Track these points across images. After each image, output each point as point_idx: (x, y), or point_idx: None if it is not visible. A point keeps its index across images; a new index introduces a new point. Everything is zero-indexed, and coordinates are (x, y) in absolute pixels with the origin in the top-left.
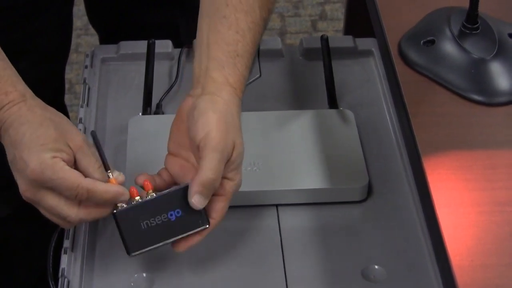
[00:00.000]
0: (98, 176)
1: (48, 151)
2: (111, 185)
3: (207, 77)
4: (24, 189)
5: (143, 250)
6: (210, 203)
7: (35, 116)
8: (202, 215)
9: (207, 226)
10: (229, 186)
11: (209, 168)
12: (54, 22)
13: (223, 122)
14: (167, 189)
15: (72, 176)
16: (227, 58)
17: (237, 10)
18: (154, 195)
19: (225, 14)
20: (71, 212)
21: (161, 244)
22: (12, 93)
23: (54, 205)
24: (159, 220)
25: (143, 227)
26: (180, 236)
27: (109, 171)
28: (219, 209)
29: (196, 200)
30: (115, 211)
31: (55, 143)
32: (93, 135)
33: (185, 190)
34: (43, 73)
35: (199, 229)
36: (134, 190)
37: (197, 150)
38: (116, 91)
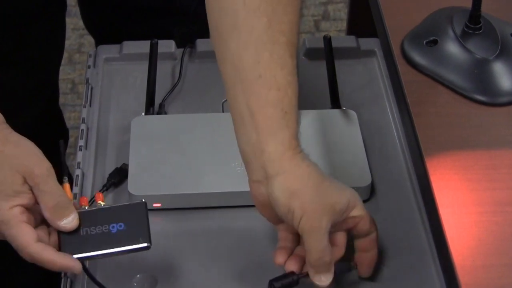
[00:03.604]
0: (48, 215)
1: (5, 199)
2: (59, 257)
3: (264, 154)
4: None
5: (78, 256)
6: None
7: None
8: (145, 232)
9: (148, 245)
10: (357, 221)
11: (311, 250)
12: (46, 30)
13: (303, 198)
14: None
15: (22, 239)
16: (277, 122)
17: (271, 67)
18: (102, 206)
19: (260, 73)
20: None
21: (95, 253)
22: None
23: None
24: (99, 230)
25: (82, 233)
26: (116, 250)
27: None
28: (367, 259)
29: (320, 280)
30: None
31: (12, 187)
32: (60, 145)
33: (134, 206)
34: (36, 81)
35: (138, 246)
36: (85, 199)
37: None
38: (119, 91)
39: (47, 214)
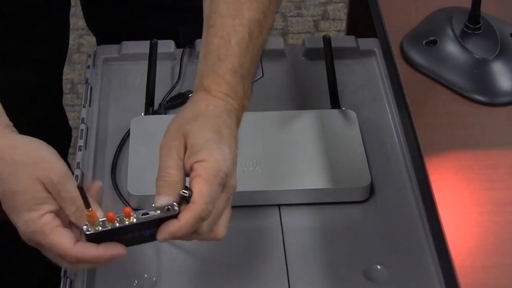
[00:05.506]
0: (74, 220)
1: (34, 209)
2: (102, 250)
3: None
4: (25, 240)
5: None
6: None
7: (6, 164)
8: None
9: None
10: (198, 166)
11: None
12: (51, 29)
13: (171, 125)
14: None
15: (61, 244)
16: (208, 67)
17: (224, 15)
18: (134, 221)
19: (212, 23)
20: (70, 266)
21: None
22: None
23: (53, 258)
24: (131, 235)
25: (114, 240)
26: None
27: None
28: (198, 190)
29: (157, 200)
30: (87, 232)
31: (36, 195)
32: (80, 190)
33: (168, 219)
34: (41, 79)
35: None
36: (112, 215)
37: None
38: (118, 91)
39: (72, 219)
